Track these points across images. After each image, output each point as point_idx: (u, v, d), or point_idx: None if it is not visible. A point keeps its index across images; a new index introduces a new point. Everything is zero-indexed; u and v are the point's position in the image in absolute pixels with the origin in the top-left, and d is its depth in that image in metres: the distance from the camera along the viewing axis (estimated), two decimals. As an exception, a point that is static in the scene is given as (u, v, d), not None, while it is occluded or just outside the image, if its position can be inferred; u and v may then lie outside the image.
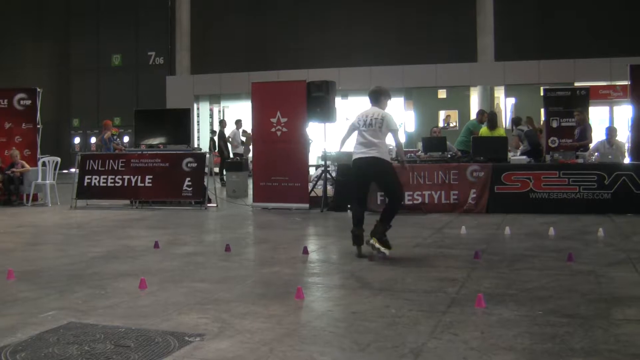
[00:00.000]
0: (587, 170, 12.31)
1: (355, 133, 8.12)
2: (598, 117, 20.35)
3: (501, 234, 9.68)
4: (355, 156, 8.04)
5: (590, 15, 25.94)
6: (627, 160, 13.94)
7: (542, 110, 18.15)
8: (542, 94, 17.92)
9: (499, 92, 26.36)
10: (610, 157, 13.14)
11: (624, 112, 20.28)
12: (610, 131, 14.16)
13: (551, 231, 9.54)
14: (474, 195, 12.47)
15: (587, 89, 17.99)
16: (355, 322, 5.00)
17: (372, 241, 7.81)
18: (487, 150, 13.03)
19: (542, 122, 18.17)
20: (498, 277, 6.60)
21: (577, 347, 4.30)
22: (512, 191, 12.33)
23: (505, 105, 26.28)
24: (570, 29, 25.90)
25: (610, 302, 5.48)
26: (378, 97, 8.15)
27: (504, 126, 21.53)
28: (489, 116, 15.46)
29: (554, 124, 17.16)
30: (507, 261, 7.55)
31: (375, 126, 7.87)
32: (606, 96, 23.94)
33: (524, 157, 13.52)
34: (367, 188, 8.34)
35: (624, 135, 15.95)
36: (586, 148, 14.91)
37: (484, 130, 14.85)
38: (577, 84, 21.32)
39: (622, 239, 9.17)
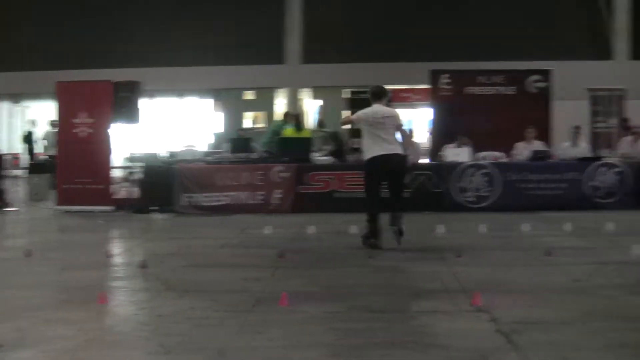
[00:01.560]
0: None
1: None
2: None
3: (306, 233, 10.22)
4: (378, 152, 8.55)
5: (391, 20, 28.17)
6: (425, 160, 15.51)
7: (346, 113, 19.52)
8: (346, 96, 19.24)
9: (305, 94, 27.59)
10: (410, 157, 14.49)
11: (423, 115, 22.28)
12: (410, 132, 15.59)
13: (354, 229, 10.07)
14: (280, 196, 13.15)
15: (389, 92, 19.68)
16: (161, 325, 5.13)
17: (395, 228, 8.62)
18: (293, 151, 13.79)
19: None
20: (302, 276, 7.01)
21: (378, 341, 4.66)
22: (317, 191, 13.16)
23: (311, 107, 27.39)
24: (375, 34, 27.83)
25: (409, 296, 5.99)
26: (381, 95, 9.02)
27: (309, 127, 22.70)
28: (295, 118, 16.32)
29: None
30: (311, 260, 8.05)
31: (388, 124, 8.65)
32: (407, 99, 26.13)
33: (329, 157, 14.56)
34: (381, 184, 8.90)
35: (423, 137, 17.65)
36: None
37: (289, 131, 15.60)
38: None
39: (420, 236, 9.93)
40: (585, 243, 9.13)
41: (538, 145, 14.36)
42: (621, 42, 26.93)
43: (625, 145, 14.74)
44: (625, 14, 26.71)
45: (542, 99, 16.58)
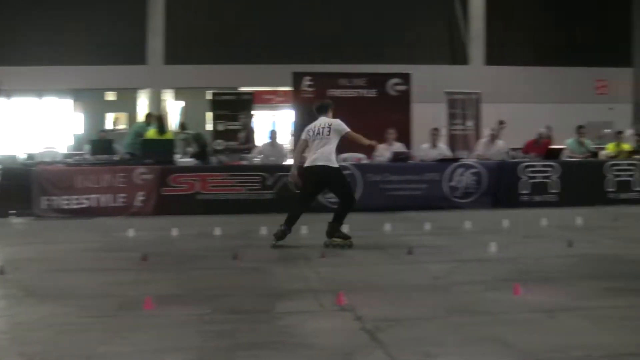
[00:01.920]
0: (251, 172, 13.50)
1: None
2: (262, 120, 22.29)
3: (169, 235, 10.12)
4: (307, 164, 9.18)
5: (255, 21, 28.21)
6: (289, 162, 15.59)
7: (209, 114, 19.32)
8: (209, 97, 19.25)
9: (168, 95, 27.16)
10: (272, 158, 14.60)
11: (286, 116, 22.42)
12: (273, 134, 15.70)
13: (218, 231, 10.20)
14: (142, 198, 12.97)
15: (251, 93, 19.74)
16: (21, 333, 4.93)
17: (331, 241, 8.97)
18: (155, 153, 13.63)
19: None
20: (167, 279, 6.92)
21: (244, 342, 4.65)
22: (180, 193, 13.05)
23: (174, 108, 27.19)
24: (238, 35, 27.76)
25: (274, 297, 5.99)
26: (325, 108, 9.58)
27: (172, 129, 22.40)
28: (158, 119, 16.04)
29: (220, 127, 18.44)
30: (175, 262, 7.94)
31: (323, 134, 9.11)
32: (270, 101, 26.11)
33: (192, 159, 14.42)
34: (317, 193, 9.86)
35: (286, 138, 17.77)
36: (251, 150, 16.35)
37: (152, 133, 15.35)
38: (242, 89, 22.93)
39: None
40: (444, 242, 9.44)
41: (398, 146, 14.73)
42: (476, 48, 28.03)
43: (482, 147, 15.34)
44: (480, 22, 27.83)
45: (402, 101, 17.07)
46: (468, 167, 13.94)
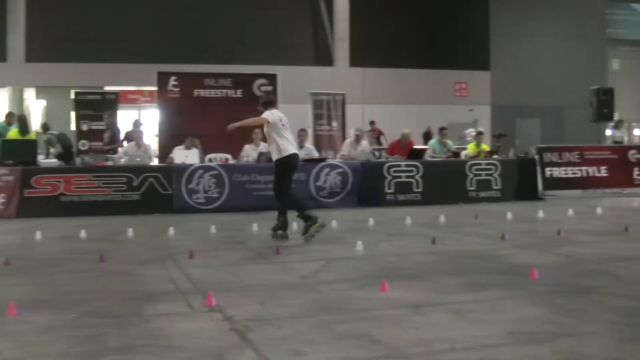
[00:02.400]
0: (117, 173, 13.22)
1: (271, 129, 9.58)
2: (128, 120, 21.73)
3: (32, 238, 9.77)
4: (292, 151, 9.56)
5: (120, 20, 27.63)
6: (154, 162, 15.37)
7: (73, 114, 18.66)
8: (72, 97, 18.54)
9: (29, 94, 26.12)
10: (138, 159, 14.32)
11: (152, 116, 21.97)
12: (136, 134, 15.37)
13: (83, 234, 9.92)
14: (3, 200, 12.48)
15: (116, 93, 19.22)
16: None
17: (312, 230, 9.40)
18: (17, 154, 13.17)
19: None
20: (31, 283, 6.66)
21: (113, 346, 4.54)
22: (43, 195, 12.63)
23: (36, 108, 26.02)
24: (103, 34, 27.14)
25: (142, 299, 5.88)
26: (275, 102, 10.19)
27: (35, 129, 21.52)
28: (20, 119, 15.42)
29: (85, 127, 17.84)
30: (39, 266, 7.64)
31: (287, 126, 9.71)
32: (135, 100, 25.54)
33: (55, 160, 13.93)
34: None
35: (152, 139, 17.45)
36: (116, 150, 15.97)
37: (13, 133, 14.77)
38: (106, 88, 22.16)
39: (151, 238, 10.02)
40: (311, 241, 9.49)
41: (265, 147, 14.73)
42: (341, 50, 28.44)
43: (347, 147, 15.58)
44: (344, 24, 28.26)
45: (269, 102, 17.00)
46: (334, 167, 14.13)
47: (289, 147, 9.65)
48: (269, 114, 9.66)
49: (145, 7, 28.49)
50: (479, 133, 17.69)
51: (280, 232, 9.75)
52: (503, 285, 6.28)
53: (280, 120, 9.68)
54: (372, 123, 21.95)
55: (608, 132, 33.66)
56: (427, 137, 21.71)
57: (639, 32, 39.06)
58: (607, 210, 12.95)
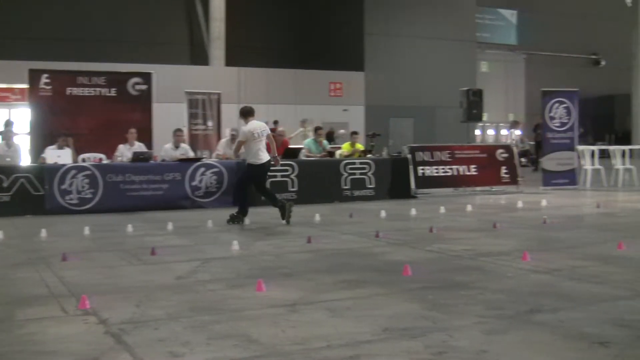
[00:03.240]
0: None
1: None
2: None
3: None
4: (264, 160, 11.36)
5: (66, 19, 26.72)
6: (26, 162, 14.78)
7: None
8: None
9: None
10: (8, 159, 13.77)
11: (23, 115, 21.07)
12: (7, 133, 14.83)
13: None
14: None
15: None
16: None
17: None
18: None
19: None
20: None
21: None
22: None
23: None
24: None
25: (12, 304, 5.68)
26: (253, 113, 11.64)
27: None
28: None
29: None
30: None
31: (264, 135, 11.39)
32: (5, 99, 24.42)
33: None
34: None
35: (23, 138, 16.81)
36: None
37: None
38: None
39: (23, 240, 9.67)
40: (187, 241, 9.43)
41: (139, 146, 14.51)
42: (217, 49, 28.27)
43: (222, 147, 15.50)
44: (220, 23, 28.11)
45: (143, 101, 16.81)
46: (209, 166, 14.03)
47: (263, 155, 11.35)
48: (244, 133, 11.40)
49: (16, 1, 27.48)
50: (354, 133, 17.96)
51: (240, 216, 11.42)
52: (377, 283, 6.40)
53: (253, 134, 11.27)
54: (276, 122, 21.82)
55: (477, 132, 34.95)
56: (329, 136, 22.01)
57: (505, 36, 40.75)
58: (477, 208, 13.42)
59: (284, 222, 11.15)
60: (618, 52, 44.25)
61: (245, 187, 11.80)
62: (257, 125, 11.48)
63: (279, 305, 5.51)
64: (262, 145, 11.42)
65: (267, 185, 12.79)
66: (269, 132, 11.77)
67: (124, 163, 13.84)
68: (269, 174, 12.82)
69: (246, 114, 11.60)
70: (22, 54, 24.03)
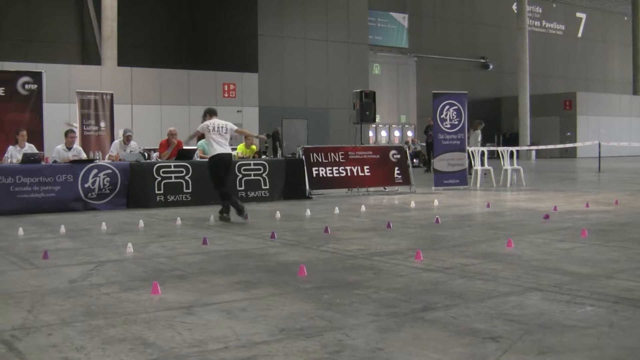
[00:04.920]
0: None
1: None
2: None
3: None
4: (217, 151, 11.78)
5: None
6: None
7: None
8: None
9: None
10: None
11: None
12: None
13: None
14: None
15: None
16: None
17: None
18: None
19: None
20: None
21: None
22: None
23: None
24: None
25: None
26: (216, 112, 12.39)
27: None
28: None
29: None
30: None
31: (223, 131, 11.87)
32: None
33: None
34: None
35: None
36: None
37: None
38: None
39: None
40: (80, 244, 9.23)
41: (30, 148, 14.11)
42: (109, 49, 27.71)
43: (115, 148, 15.24)
44: (112, 22, 27.57)
45: (33, 101, 16.36)
46: (102, 168, 13.75)
47: (220, 147, 11.81)
48: (202, 125, 12.08)
49: None
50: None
51: (225, 215, 11.76)
52: (273, 283, 6.44)
53: (208, 127, 11.85)
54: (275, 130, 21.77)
55: (370, 134, 35.47)
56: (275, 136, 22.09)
57: (396, 39, 41.55)
58: (371, 208, 13.64)
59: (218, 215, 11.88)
60: (505, 57, 45.93)
61: (215, 183, 12.05)
62: (217, 121, 12.01)
63: (174, 308, 5.47)
64: (220, 139, 11.85)
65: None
66: (233, 128, 12.23)
67: (14, 165, 13.40)
68: (165, 174, 12.72)
69: (207, 113, 12.27)
70: None
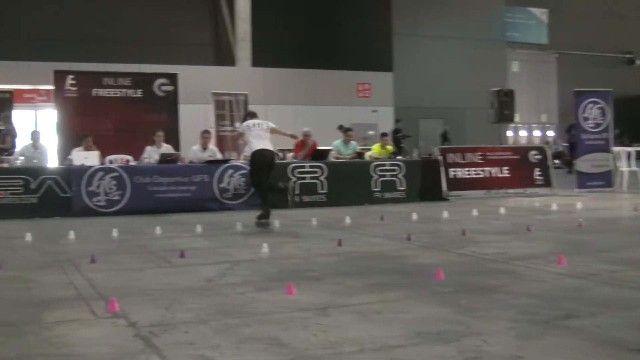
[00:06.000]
0: (12, 175, 12.86)
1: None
2: (23, 120, 21.14)
3: None
4: (257, 147, 11.47)
5: (11, 17, 26.98)
6: (53, 164, 14.97)
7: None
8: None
9: None
10: (35, 161, 13.95)
11: (48, 116, 21.39)
12: (34, 135, 14.98)
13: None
14: None
15: (10, 92, 18.64)
16: None
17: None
18: None
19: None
20: None
21: (10, 355, 4.38)
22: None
23: None
24: (9, 31, 26.39)
25: (40, 306, 5.71)
26: (255, 114, 12.29)
27: None
28: None
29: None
30: None
31: (263, 127, 11.69)
32: (30, 100, 24.57)
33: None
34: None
35: (50, 140, 17.05)
36: (11, 152, 15.50)
37: None
38: (0, 87, 21.54)
39: (49, 243, 9.73)
40: (216, 243, 9.47)
41: (167, 148, 14.62)
42: (242, 50, 28.36)
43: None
44: (246, 23, 28.20)
45: (169, 102, 16.95)
46: (237, 168, 14.08)
47: (257, 144, 11.52)
48: (242, 125, 12.08)
49: (39, 2, 27.79)
50: (383, 134, 17.94)
51: (263, 220, 11.26)
52: (408, 286, 6.39)
53: (247, 125, 11.74)
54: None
55: (509, 133, 34.75)
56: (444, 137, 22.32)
57: (535, 36, 40.49)
58: (510, 210, 13.33)
59: (254, 219, 11.40)
60: (654, 51, 43.77)
61: (256, 184, 11.87)
62: (255, 120, 11.93)
63: (309, 309, 5.51)
64: (259, 136, 11.60)
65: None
66: (270, 125, 11.94)
67: (151, 164, 13.94)
68: (300, 175, 12.96)
69: (247, 115, 12.47)
70: (45, 54, 24.29)
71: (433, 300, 5.77)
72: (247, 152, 12.01)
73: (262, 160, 11.48)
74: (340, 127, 18.40)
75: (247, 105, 19.89)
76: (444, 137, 25.38)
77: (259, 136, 11.57)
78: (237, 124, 19.41)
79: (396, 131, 25.81)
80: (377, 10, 31.88)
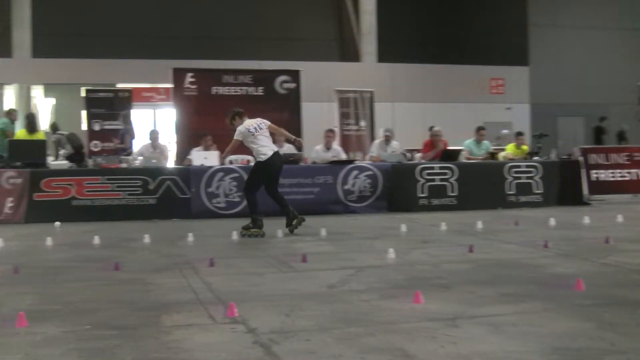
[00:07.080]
0: (131, 175, 13.31)
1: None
2: (142, 119, 21.91)
3: (42, 245, 9.87)
4: (269, 154, 10.76)
5: (131, 15, 27.97)
6: (171, 164, 15.43)
7: (84, 113, 18.85)
8: (83, 94, 18.71)
9: (37, 92, 26.07)
10: (154, 161, 14.40)
11: (167, 115, 22.13)
12: (153, 134, 15.50)
13: (96, 240, 9.99)
14: (11, 204, 12.64)
15: (129, 90, 19.32)
16: None
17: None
18: (25, 155, 13.34)
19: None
20: (40, 292, 6.67)
21: (127, 359, 4.54)
22: (53, 198, 12.78)
23: (43, 106, 26.01)
24: (112, 27, 27.43)
25: (159, 310, 5.88)
26: (244, 112, 11.19)
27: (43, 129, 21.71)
28: (28, 118, 15.65)
29: (96, 127, 18.02)
30: (49, 274, 7.68)
31: (264, 127, 10.90)
32: (149, 99, 25.47)
33: (66, 162, 14.04)
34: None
35: (169, 139, 17.60)
36: (129, 152, 16.09)
37: (21, 133, 15.00)
38: (119, 86, 22.20)
39: (168, 245, 10.02)
40: (339, 248, 9.53)
41: (288, 148, 14.76)
42: (368, 44, 28.35)
43: (376, 148, 15.54)
44: (371, 17, 28.18)
45: (292, 100, 17.11)
46: (363, 169, 14.10)
47: (268, 150, 10.89)
48: (237, 132, 10.95)
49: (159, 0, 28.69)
50: (519, 133, 17.59)
51: (249, 230, 10.78)
52: (545, 297, 6.22)
53: (248, 130, 10.85)
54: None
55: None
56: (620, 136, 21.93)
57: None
58: (658, 216, 12.84)
59: (287, 229, 11.05)
60: None
61: (250, 192, 11.14)
62: (251, 121, 11.03)
63: (438, 319, 5.46)
64: (265, 139, 10.98)
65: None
66: (268, 123, 11.15)
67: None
68: (429, 176, 12.88)
69: (235, 115, 11.23)
70: (163, 52, 25.03)
71: (572, 314, 5.61)
72: (262, 157, 10.90)
73: (276, 170, 11.14)
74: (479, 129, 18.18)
75: (373, 103, 19.89)
76: (620, 137, 24.51)
77: (268, 138, 11.04)
78: (362, 123, 19.48)
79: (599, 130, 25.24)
80: (512, 1, 31.26)
